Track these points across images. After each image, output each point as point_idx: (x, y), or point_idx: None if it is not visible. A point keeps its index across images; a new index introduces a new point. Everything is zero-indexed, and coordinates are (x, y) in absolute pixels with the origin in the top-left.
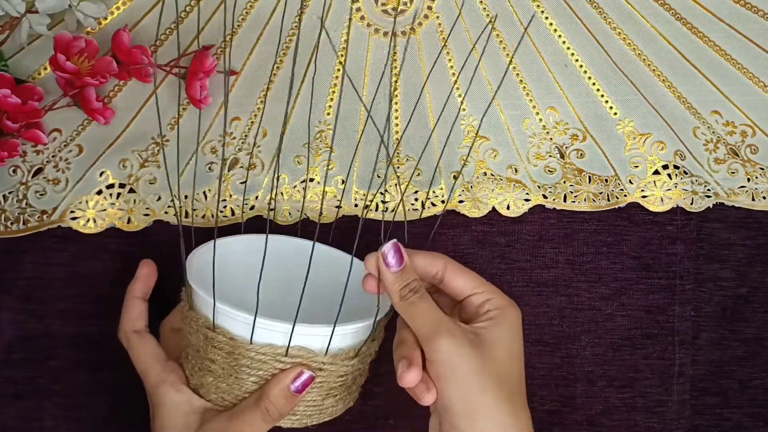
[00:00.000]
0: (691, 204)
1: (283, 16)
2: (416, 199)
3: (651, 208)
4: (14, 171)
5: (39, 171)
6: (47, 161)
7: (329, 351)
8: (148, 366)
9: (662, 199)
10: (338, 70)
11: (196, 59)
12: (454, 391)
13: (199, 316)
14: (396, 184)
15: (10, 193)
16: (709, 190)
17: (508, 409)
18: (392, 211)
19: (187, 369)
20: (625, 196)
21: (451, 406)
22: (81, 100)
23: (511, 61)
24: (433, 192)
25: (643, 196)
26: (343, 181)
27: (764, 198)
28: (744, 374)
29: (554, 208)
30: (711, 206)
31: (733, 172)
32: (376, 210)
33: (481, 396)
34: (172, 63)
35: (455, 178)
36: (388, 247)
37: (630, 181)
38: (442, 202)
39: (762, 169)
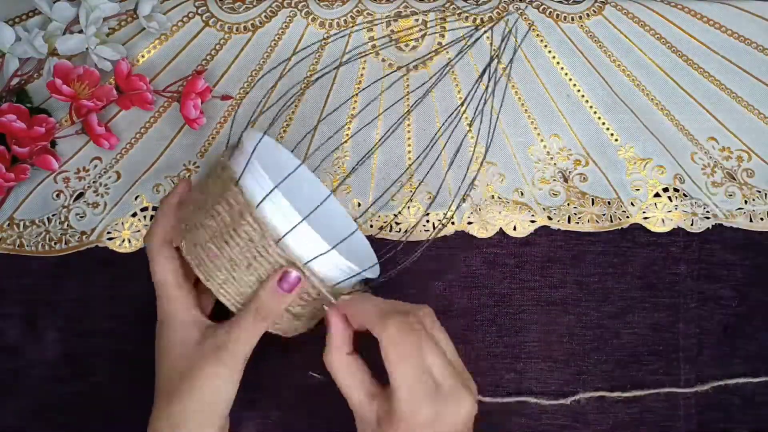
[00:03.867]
0: (692, 225)
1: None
2: (428, 221)
3: (653, 229)
4: (57, 195)
5: (80, 195)
6: (88, 186)
7: (311, 263)
8: (167, 279)
9: (663, 221)
10: (354, 101)
11: (189, 83)
12: None
13: (226, 168)
14: (408, 207)
15: (53, 215)
16: (708, 212)
17: None
18: (405, 231)
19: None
20: (628, 217)
21: None
22: (86, 127)
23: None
24: (444, 214)
25: (645, 218)
26: (359, 204)
27: (761, 219)
28: (747, 390)
29: (560, 230)
30: (711, 227)
31: (730, 195)
32: (390, 230)
33: None
34: (167, 87)
35: (464, 200)
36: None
37: (632, 204)
38: (452, 223)
39: (759, 191)
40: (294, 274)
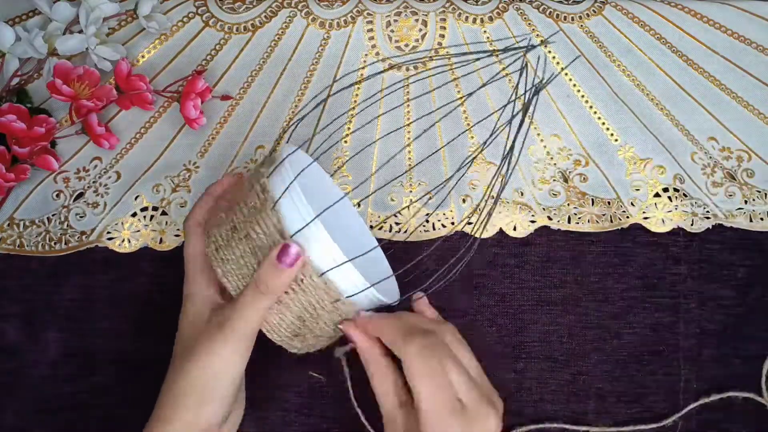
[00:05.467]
0: (692, 225)
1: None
2: (427, 221)
3: (653, 229)
4: (57, 195)
5: (80, 195)
6: (88, 186)
7: (325, 275)
8: (196, 258)
9: (663, 221)
10: (354, 101)
11: (189, 83)
12: None
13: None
14: (407, 207)
15: (53, 215)
16: (708, 211)
17: None
18: (404, 231)
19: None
20: (628, 217)
21: None
22: (86, 127)
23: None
24: (444, 214)
25: (645, 218)
26: (359, 204)
27: (761, 219)
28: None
29: (560, 230)
30: (711, 227)
31: (730, 195)
32: (390, 231)
33: None
34: (167, 87)
35: (464, 200)
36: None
37: (632, 204)
38: (452, 224)
39: (759, 191)
40: (294, 248)
